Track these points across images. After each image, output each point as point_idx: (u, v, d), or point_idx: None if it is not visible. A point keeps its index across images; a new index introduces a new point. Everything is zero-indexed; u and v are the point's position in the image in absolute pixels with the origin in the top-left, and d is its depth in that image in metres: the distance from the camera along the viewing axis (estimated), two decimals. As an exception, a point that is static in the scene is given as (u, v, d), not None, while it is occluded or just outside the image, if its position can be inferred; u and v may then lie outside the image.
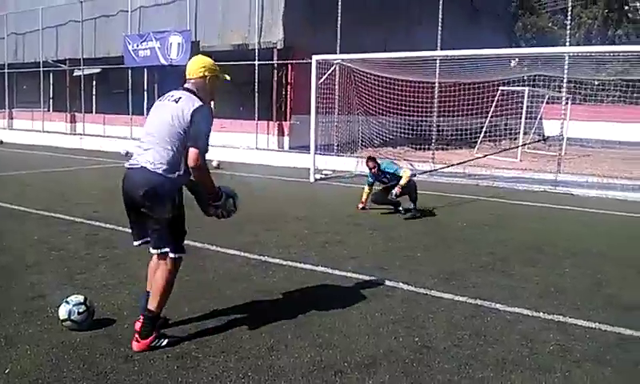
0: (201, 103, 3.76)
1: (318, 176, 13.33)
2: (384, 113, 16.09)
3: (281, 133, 18.20)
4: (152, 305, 3.78)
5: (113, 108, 22.17)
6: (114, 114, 22.14)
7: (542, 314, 4.61)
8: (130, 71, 20.97)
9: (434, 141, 14.92)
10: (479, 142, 17.98)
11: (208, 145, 3.75)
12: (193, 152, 3.65)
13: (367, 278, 5.46)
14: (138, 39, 20.34)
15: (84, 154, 18.32)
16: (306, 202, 10.21)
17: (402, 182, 8.53)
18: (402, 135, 16.39)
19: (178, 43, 19.01)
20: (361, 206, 9.09)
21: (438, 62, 14.57)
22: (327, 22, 16.33)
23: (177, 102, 3.75)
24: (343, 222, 8.27)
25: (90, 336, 3.90)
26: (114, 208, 8.76)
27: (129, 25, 20.93)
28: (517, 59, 18.66)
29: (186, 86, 3.94)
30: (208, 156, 3.77)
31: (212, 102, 4.26)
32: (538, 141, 17.34)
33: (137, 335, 3.73)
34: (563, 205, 10.38)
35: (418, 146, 16.07)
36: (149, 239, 3.91)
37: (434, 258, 6.36)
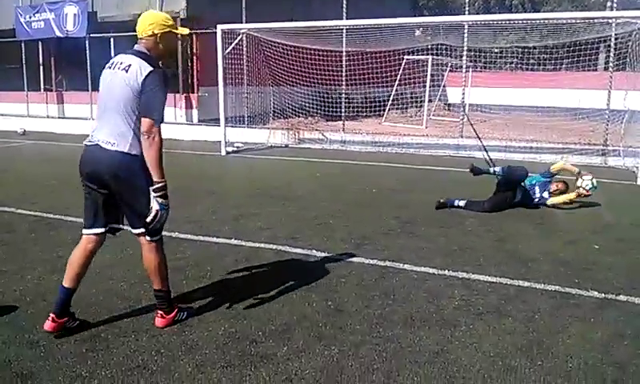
0: (151, 68, 3.41)
1: (229, 149, 13.18)
2: (294, 83, 16.06)
3: (189, 105, 17.76)
4: (157, 285, 3.68)
5: (7, 84, 20.73)
6: (9, 91, 20.72)
7: (447, 271, 4.84)
8: (23, 45, 19.64)
9: (343, 110, 15.10)
10: (387, 110, 18.38)
11: (163, 115, 3.46)
12: (145, 122, 3.36)
13: (281, 247, 5.50)
14: (31, 10, 19.05)
15: (-25, 135, 17.09)
16: (218, 176, 10.08)
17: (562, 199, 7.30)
18: (313, 105, 16.46)
19: (74, 14, 17.99)
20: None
21: (344, 31, 14.69)
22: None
23: (127, 71, 3.41)
24: (256, 194, 8.25)
25: (-11, 325, 3.70)
26: (12, 190, 8.30)
27: (20, -5, 19.55)
28: (421, 28, 19.14)
29: (135, 47, 3.57)
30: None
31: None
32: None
33: (160, 311, 3.70)
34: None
35: (329, 117, 16.22)
36: (115, 225, 3.70)
37: (345, 224, 6.49)
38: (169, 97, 13.33)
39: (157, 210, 3.42)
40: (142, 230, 3.54)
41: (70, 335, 3.55)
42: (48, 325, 3.51)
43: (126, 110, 3.42)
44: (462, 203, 7.30)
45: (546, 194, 7.42)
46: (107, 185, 3.50)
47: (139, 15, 3.66)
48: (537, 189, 7.47)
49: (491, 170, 7.49)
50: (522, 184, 7.40)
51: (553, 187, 7.47)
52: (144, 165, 3.43)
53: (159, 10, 16.63)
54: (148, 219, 3.42)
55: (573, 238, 5.99)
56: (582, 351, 3.44)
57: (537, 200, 7.42)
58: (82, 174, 3.59)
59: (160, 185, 3.43)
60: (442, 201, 7.36)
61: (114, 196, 3.55)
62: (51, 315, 3.53)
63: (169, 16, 3.70)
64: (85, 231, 3.67)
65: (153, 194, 3.43)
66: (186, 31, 3.84)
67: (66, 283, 3.58)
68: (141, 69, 3.41)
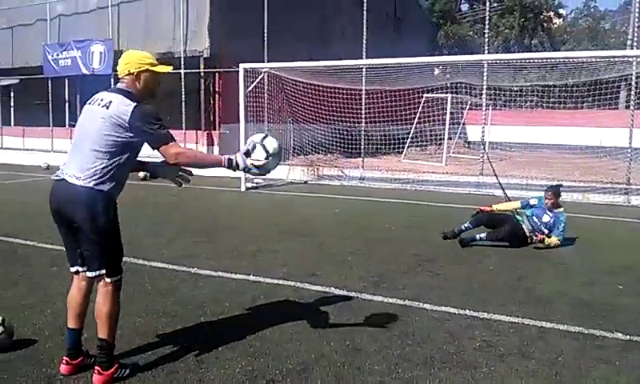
0: (134, 103, 3.32)
1: (249, 185, 13.26)
2: (314, 121, 16.22)
3: (210, 142, 17.98)
4: (103, 334, 3.42)
5: (33, 120, 21.21)
6: (34, 127, 21.20)
7: (467, 311, 4.77)
8: (50, 81, 20.16)
9: (362, 148, 15.16)
10: (406, 147, 18.42)
11: (168, 134, 3.36)
12: (164, 150, 3.34)
13: (298, 284, 5.47)
14: (58, 48, 19.60)
15: (2, 169, 17.41)
16: (237, 212, 10.13)
17: (552, 241, 7.15)
18: (333, 142, 16.57)
19: (100, 52, 18.47)
20: (489, 209, 7.75)
21: (364, 70, 14.85)
22: (254, 31, 16.34)
23: (108, 108, 3.32)
24: (274, 230, 8.26)
25: (8, 357, 3.71)
26: (33, 224, 8.40)
27: (48, 34, 20.13)
28: (440, 67, 19.30)
29: (117, 86, 3.53)
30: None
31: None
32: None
33: (98, 367, 3.41)
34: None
35: (348, 154, 16.29)
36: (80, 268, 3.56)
37: (364, 261, 6.45)
38: (191, 133, 13.59)
39: (253, 167, 3.55)
40: (98, 273, 3.42)
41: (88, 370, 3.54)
42: (63, 368, 3.50)
43: (98, 144, 3.32)
44: (483, 235, 7.29)
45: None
46: (69, 221, 3.40)
47: (164, 54, 3.71)
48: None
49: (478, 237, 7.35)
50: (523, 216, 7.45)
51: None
52: (109, 202, 3.38)
53: (183, 50, 17.10)
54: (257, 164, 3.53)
55: (593, 279, 5.87)
56: (608, 396, 3.34)
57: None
58: (51, 210, 3.48)
59: (232, 164, 3.54)
60: (456, 231, 7.42)
61: (75, 233, 3.45)
62: (64, 358, 3.52)
63: (148, 54, 3.58)
64: (71, 269, 3.60)
65: (246, 162, 3.53)
66: (166, 69, 3.60)
67: (70, 324, 3.55)
68: (124, 106, 3.33)
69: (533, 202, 7.60)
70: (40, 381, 3.43)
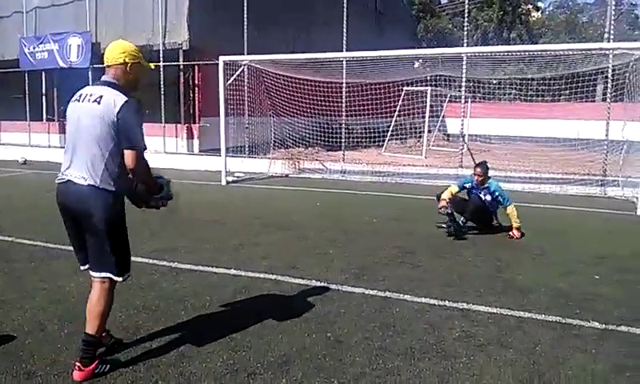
0: (126, 98, 3.34)
1: (230, 178, 13.21)
2: (295, 114, 16.19)
3: (190, 136, 17.86)
4: (91, 329, 3.42)
5: (9, 114, 20.88)
6: (11, 121, 20.87)
7: (447, 302, 4.83)
8: (26, 75, 19.84)
9: (343, 141, 15.19)
10: (387, 140, 18.49)
11: (144, 142, 3.40)
12: (130, 154, 3.32)
13: (280, 277, 5.48)
14: (35, 41, 19.28)
15: (-23, 164, 17.15)
16: (218, 206, 10.09)
17: (515, 223, 7.45)
18: (313, 136, 16.56)
19: (78, 45, 18.22)
20: (442, 204, 7.54)
21: (344, 63, 14.86)
22: (234, 23, 16.23)
23: (99, 103, 3.33)
24: (255, 223, 8.25)
25: (-14, 355, 3.68)
26: (11, 219, 8.30)
27: (24, 26, 19.78)
28: (420, 60, 19.36)
29: (104, 78, 3.51)
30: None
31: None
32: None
33: (78, 363, 3.40)
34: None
35: (329, 147, 16.31)
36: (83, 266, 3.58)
37: (345, 254, 6.48)
38: (171, 127, 13.47)
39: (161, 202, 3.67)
40: (105, 275, 3.44)
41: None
42: (76, 375, 3.41)
43: (98, 143, 3.33)
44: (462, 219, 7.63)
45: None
46: (78, 221, 3.42)
47: (142, 47, 3.73)
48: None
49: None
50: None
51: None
52: (117, 199, 3.42)
53: (162, 42, 16.94)
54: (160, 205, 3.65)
55: (571, 269, 5.97)
56: (584, 383, 3.41)
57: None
58: (60, 212, 3.51)
59: (160, 195, 3.64)
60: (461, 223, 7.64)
61: (82, 232, 3.45)
62: (77, 364, 3.43)
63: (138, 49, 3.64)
64: (82, 268, 3.61)
65: (155, 197, 3.62)
66: (152, 66, 3.76)
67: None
68: (115, 100, 3.33)
69: (467, 184, 7.88)
70: (19, 376, 3.40)
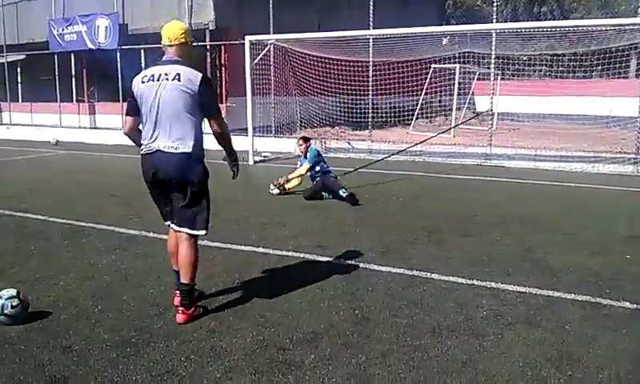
0: (200, 73, 3.78)
1: (257, 158, 13.29)
2: (321, 93, 16.13)
3: (217, 116, 17.93)
4: (186, 279, 3.89)
5: (40, 96, 21.25)
6: (42, 102, 21.24)
7: (475, 281, 4.81)
8: (56, 57, 20.13)
9: (370, 120, 15.11)
10: (414, 119, 18.33)
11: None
12: (215, 121, 3.85)
13: (307, 256, 5.53)
14: (64, 23, 19.51)
15: (11, 145, 17.53)
16: (246, 185, 10.15)
17: (289, 177, 8.91)
18: (340, 115, 16.50)
19: (106, 26, 18.37)
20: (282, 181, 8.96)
21: (371, 41, 14.72)
22: (259, 3, 16.17)
23: (179, 80, 3.71)
24: (282, 203, 8.30)
25: (25, 329, 3.80)
26: (43, 199, 8.50)
27: (53, 9, 20.01)
28: (448, 37, 19.07)
29: (169, 57, 3.86)
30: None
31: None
32: (472, 118, 17.77)
33: (181, 309, 3.88)
34: (494, 176, 10.79)
35: (356, 126, 16.23)
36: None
37: (371, 232, 6.49)
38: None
39: (235, 172, 4.22)
40: (186, 229, 3.89)
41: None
42: (180, 318, 3.89)
43: (186, 115, 3.74)
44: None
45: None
46: (170, 186, 3.83)
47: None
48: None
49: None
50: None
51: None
52: (203, 163, 3.89)
53: (188, 23, 16.99)
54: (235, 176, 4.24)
55: (601, 248, 5.88)
56: (613, 362, 3.38)
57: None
58: (147, 179, 3.92)
59: (235, 154, 4.16)
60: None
61: (169, 196, 3.87)
62: (180, 308, 3.90)
63: None
64: (166, 223, 4.10)
65: (232, 163, 4.17)
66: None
67: (175, 266, 4.08)
68: (194, 75, 3.75)
69: (317, 167, 8.81)
70: (55, 351, 3.50)
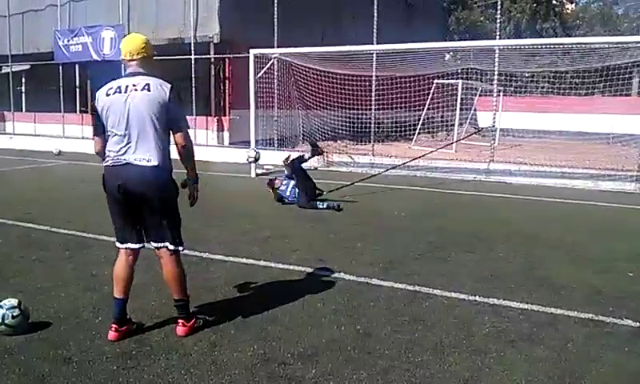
0: (169, 84, 3.69)
1: (259, 171, 13.29)
2: (324, 107, 16.18)
3: (220, 128, 18.01)
4: (178, 294, 3.90)
5: (44, 106, 21.32)
6: (46, 112, 21.31)
7: (477, 297, 4.79)
8: (61, 67, 20.22)
9: (372, 134, 15.13)
10: (416, 134, 18.36)
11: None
12: (181, 135, 3.70)
13: (309, 269, 5.51)
14: (69, 34, 19.64)
15: (15, 154, 17.54)
16: (248, 198, 10.16)
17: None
18: (342, 129, 16.54)
19: (111, 38, 18.49)
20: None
21: (374, 55, 14.78)
22: (264, 16, 16.28)
23: (149, 90, 3.61)
24: (285, 216, 8.30)
25: (25, 340, 3.78)
26: (46, 209, 8.50)
27: (58, 19, 20.16)
28: (451, 53, 19.16)
29: (134, 69, 3.74)
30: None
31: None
32: (473, 133, 17.82)
33: (181, 321, 3.89)
34: (496, 193, 10.78)
35: (358, 140, 16.26)
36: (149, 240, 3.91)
37: (374, 247, 6.47)
38: (202, 119, 13.77)
39: (195, 196, 3.95)
40: (166, 244, 3.82)
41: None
42: (111, 335, 3.78)
43: (157, 127, 3.63)
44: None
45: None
46: (140, 201, 3.69)
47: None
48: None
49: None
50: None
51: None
52: (172, 178, 3.75)
53: (193, 35, 17.08)
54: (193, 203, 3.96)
55: (604, 266, 5.87)
56: (616, 382, 3.36)
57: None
58: (111, 192, 3.73)
59: (197, 178, 3.93)
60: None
61: (141, 211, 3.74)
62: (113, 325, 3.80)
63: None
64: (121, 245, 3.89)
65: (193, 185, 3.92)
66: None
67: (117, 295, 3.88)
68: (162, 85, 3.66)
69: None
70: (56, 362, 3.49)
